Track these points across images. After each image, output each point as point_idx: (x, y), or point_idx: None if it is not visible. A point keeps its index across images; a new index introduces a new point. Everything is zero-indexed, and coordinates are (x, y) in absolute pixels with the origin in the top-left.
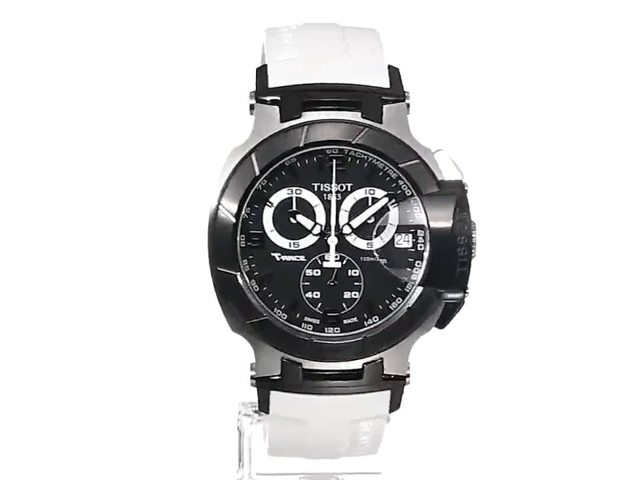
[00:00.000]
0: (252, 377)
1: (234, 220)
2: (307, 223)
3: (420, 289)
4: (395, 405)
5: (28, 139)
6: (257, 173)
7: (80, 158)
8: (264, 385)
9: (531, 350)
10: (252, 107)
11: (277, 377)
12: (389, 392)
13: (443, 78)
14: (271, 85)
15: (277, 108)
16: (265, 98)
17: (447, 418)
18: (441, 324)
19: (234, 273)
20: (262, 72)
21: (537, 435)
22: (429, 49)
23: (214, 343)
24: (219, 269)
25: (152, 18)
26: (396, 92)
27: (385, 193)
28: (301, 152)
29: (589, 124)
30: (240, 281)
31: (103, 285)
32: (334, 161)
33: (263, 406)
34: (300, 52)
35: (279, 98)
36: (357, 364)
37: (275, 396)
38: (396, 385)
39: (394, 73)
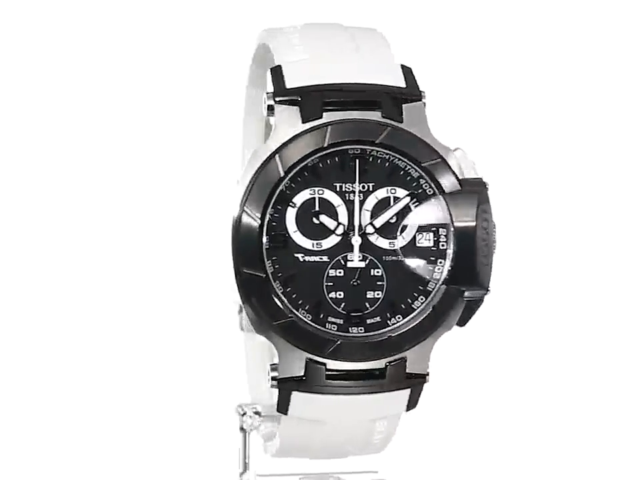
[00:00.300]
0: (273, 378)
1: (259, 221)
2: (330, 223)
3: (444, 287)
4: (412, 403)
5: (26, 139)
6: (282, 174)
7: (82, 160)
8: (286, 385)
9: (537, 350)
10: (270, 107)
11: (301, 378)
12: (408, 390)
13: (441, 77)
14: (289, 85)
15: (296, 109)
16: (283, 99)
17: (446, 418)
18: (462, 322)
19: (260, 274)
20: (277, 73)
21: (537, 434)
22: (424, 48)
23: (209, 345)
24: (244, 270)
25: (139, 19)
26: (413, 91)
27: (407, 192)
28: (324, 152)
29: (595, 121)
30: (266, 282)
31: (105, 286)
32: (357, 160)
33: (282, 407)
34: (311, 52)
35: (298, 98)
36: (379, 363)
37: (297, 397)
38: (416, 383)
39: (408, 72)
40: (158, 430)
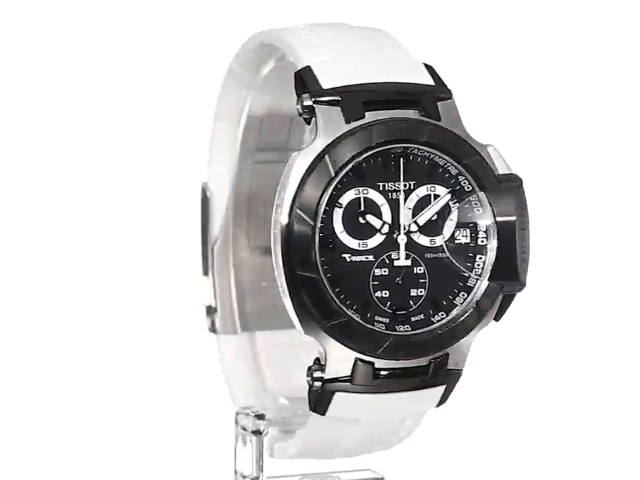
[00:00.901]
0: (317, 379)
1: (312, 223)
2: (376, 222)
3: (485, 282)
4: (444, 399)
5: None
6: (333, 174)
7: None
8: (331, 386)
9: (538, 349)
10: (308, 108)
11: (347, 378)
12: (444, 386)
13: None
14: (326, 86)
15: (338, 109)
16: (323, 99)
17: (446, 418)
18: (498, 317)
19: (314, 275)
20: (308, 73)
21: (539, 435)
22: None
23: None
24: (298, 272)
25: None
26: (442, 89)
27: (446, 189)
28: (370, 152)
29: (602, 119)
30: (320, 283)
31: (107, 288)
32: (401, 159)
33: (321, 408)
34: (334, 52)
35: (338, 99)
36: (424, 360)
37: (339, 397)
38: (453, 379)
39: (432, 70)
40: (143, 439)
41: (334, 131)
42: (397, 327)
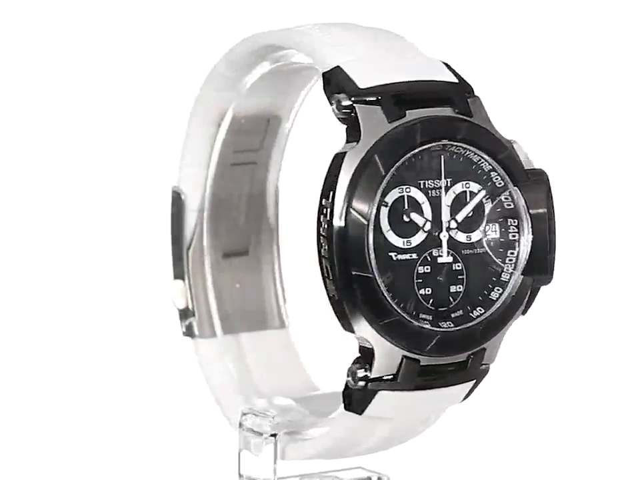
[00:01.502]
0: (361, 378)
1: (366, 222)
2: (419, 220)
3: (518, 276)
4: (470, 394)
5: None
6: (384, 173)
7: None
8: (375, 385)
9: (540, 348)
10: (347, 108)
11: (393, 376)
12: (473, 381)
13: None
14: (362, 85)
15: (378, 108)
16: (362, 98)
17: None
18: (525, 310)
19: (370, 275)
20: (339, 73)
21: (540, 435)
22: None
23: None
24: (354, 272)
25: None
26: (467, 86)
27: (479, 185)
28: (415, 150)
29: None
30: (373, 282)
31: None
32: (442, 157)
33: (359, 407)
34: (356, 52)
35: (377, 98)
36: (464, 355)
37: (382, 395)
38: (483, 374)
39: (451, 68)
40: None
41: (377, 131)
42: (440, 324)
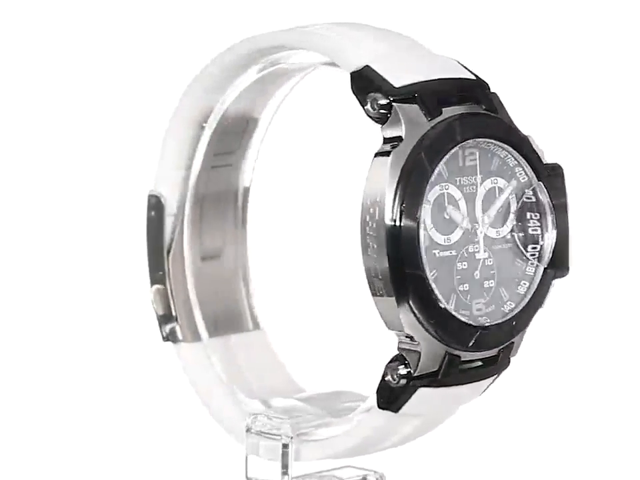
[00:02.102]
0: (403, 376)
1: (417, 221)
2: (457, 217)
3: (541, 270)
4: (488, 387)
5: None
6: (430, 171)
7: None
8: (417, 382)
9: (540, 347)
10: (385, 107)
11: (434, 373)
12: (495, 375)
13: None
14: (397, 84)
15: (415, 106)
16: (400, 97)
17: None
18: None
19: (422, 274)
20: (370, 72)
21: (541, 435)
22: None
23: None
24: (407, 271)
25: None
26: (485, 84)
27: (505, 181)
28: (456, 148)
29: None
30: (426, 281)
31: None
32: (476, 153)
33: (396, 405)
34: (379, 52)
35: (415, 96)
36: (495, 349)
37: (422, 392)
38: (505, 367)
39: (464, 66)
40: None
41: (418, 129)
42: (478, 319)
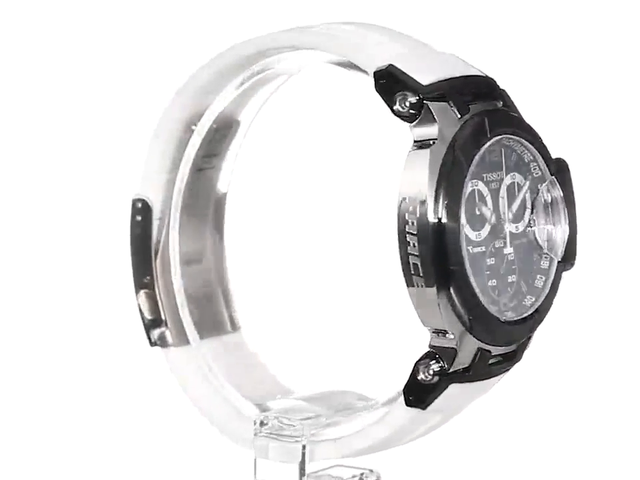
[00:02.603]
0: (436, 373)
1: (458, 217)
2: (487, 213)
3: (555, 264)
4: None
5: None
6: (466, 168)
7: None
8: (450, 378)
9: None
10: (415, 105)
11: (465, 368)
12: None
13: None
14: (425, 82)
15: (445, 104)
16: (431, 95)
17: None
18: None
19: (464, 270)
20: (396, 71)
21: (541, 435)
22: None
23: None
24: (451, 267)
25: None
26: (494, 80)
27: (522, 176)
28: (487, 144)
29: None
30: (467, 277)
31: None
32: (501, 150)
33: (425, 402)
34: (397, 51)
35: (445, 94)
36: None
37: (452, 388)
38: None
39: (469, 64)
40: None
41: (450, 127)
42: (505, 314)
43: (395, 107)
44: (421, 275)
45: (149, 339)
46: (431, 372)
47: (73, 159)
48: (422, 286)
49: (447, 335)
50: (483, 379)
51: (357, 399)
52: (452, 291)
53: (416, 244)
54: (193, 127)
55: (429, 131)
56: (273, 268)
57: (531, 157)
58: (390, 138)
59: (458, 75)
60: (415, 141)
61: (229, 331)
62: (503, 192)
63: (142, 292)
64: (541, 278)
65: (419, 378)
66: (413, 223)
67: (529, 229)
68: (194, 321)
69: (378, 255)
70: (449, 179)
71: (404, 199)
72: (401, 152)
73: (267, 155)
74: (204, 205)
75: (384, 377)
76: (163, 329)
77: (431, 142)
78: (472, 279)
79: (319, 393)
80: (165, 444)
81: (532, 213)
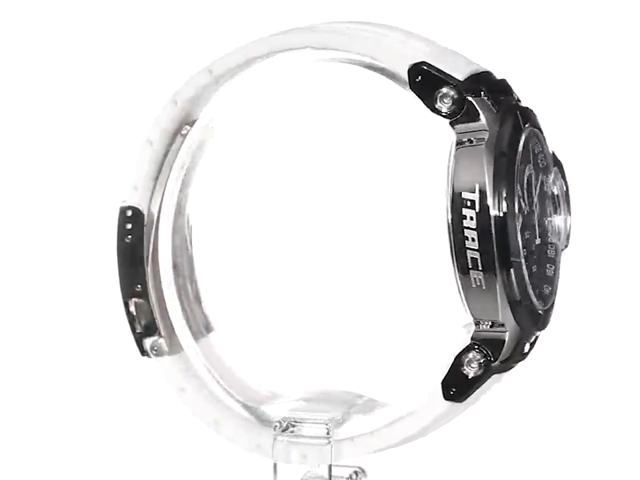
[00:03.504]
0: (481, 365)
1: (516, 210)
2: (523, 204)
3: (560, 252)
4: None
5: None
6: (515, 161)
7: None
8: (494, 369)
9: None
10: (457, 101)
11: (506, 359)
12: None
13: None
14: (461, 77)
15: (484, 99)
16: (472, 90)
17: None
18: None
19: (522, 261)
20: (431, 68)
21: (537, 433)
22: None
23: None
24: (513, 260)
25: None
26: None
27: (532, 167)
28: (523, 137)
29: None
30: (523, 268)
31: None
32: (529, 143)
33: (466, 395)
34: (422, 49)
35: (484, 89)
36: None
37: (491, 380)
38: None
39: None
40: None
41: (492, 120)
42: (536, 303)
43: (436, 105)
44: (480, 268)
45: (141, 348)
46: (477, 364)
47: (57, 167)
48: (480, 279)
49: (497, 327)
50: (510, 369)
51: (356, 397)
52: (513, 282)
53: (475, 238)
54: (183, 132)
55: (475, 126)
56: (250, 268)
57: (540, 149)
58: (389, 138)
59: (481, 70)
60: (459, 138)
61: (203, 335)
62: (525, 183)
63: (132, 301)
64: (551, 267)
65: (463, 371)
66: (472, 218)
67: (545, 219)
68: (188, 327)
69: (357, 251)
70: (504, 173)
71: (458, 194)
72: (391, 151)
73: (233, 160)
74: (182, 210)
75: (369, 374)
76: (156, 337)
77: (478, 138)
78: (525, 271)
79: (319, 393)
80: (162, 451)
81: (545, 203)
